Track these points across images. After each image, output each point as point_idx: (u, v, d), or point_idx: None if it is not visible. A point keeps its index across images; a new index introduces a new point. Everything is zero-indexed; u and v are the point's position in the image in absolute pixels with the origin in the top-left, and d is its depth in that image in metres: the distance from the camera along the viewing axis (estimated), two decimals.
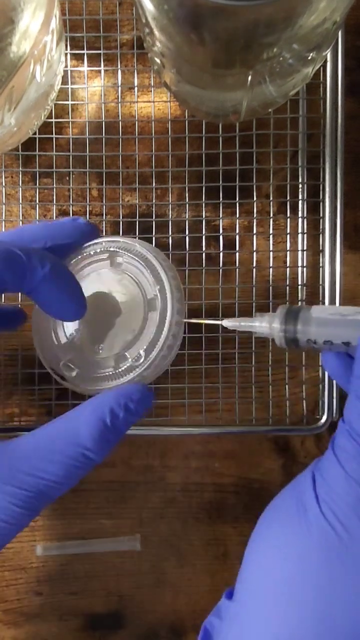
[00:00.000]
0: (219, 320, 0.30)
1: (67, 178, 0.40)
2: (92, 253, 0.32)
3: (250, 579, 0.25)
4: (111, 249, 0.32)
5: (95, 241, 0.32)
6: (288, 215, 0.40)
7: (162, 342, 0.29)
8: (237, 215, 0.40)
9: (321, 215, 0.39)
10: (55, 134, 0.40)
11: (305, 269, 0.40)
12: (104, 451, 0.28)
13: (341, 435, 0.24)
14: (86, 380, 0.31)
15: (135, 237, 0.40)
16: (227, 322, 0.29)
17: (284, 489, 0.26)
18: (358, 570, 0.22)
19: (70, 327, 0.32)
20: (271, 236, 0.40)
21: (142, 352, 0.29)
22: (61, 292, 0.29)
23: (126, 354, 0.30)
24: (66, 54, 0.39)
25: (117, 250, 0.32)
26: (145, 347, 0.29)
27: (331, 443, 0.24)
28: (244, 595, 0.25)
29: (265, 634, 0.23)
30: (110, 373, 0.30)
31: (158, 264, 0.30)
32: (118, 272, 0.32)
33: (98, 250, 0.32)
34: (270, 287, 0.40)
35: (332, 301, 0.39)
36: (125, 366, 0.30)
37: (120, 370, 0.30)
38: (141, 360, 0.29)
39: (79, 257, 0.32)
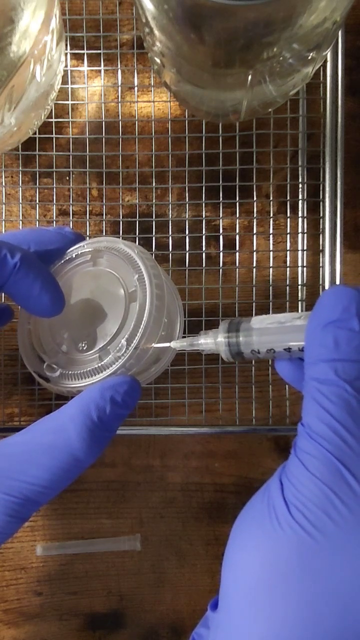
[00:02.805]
0: (168, 343, 0.30)
1: (67, 178, 0.40)
2: (74, 256, 0.32)
3: (230, 587, 0.25)
4: (92, 249, 0.32)
5: (78, 245, 0.32)
6: (288, 215, 0.40)
7: (143, 328, 0.29)
8: (237, 215, 0.40)
9: (321, 214, 0.39)
10: (55, 134, 0.40)
11: (305, 268, 0.40)
12: (93, 450, 0.27)
13: (302, 438, 0.24)
14: (70, 378, 0.30)
15: (135, 237, 0.40)
16: (174, 344, 0.30)
17: (254, 496, 0.26)
18: (337, 565, 0.22)
19: (53, 328, 0.32)
20: (271, 236, 0.40)
21: (123, 341, 0.29)
22: (34, 283, 0.28)
23: (109, 348, 0.30)
24: (66, 54, 0.39)
25: (98, 249, 0.32)
26: (126, 336, 0.29)
27: (293, 447, 0.24)
28: (225, 604, 0.25)
29: (249, 636, 0.23)
30: (94, 367, 0.30)
31: (137, 256, 0.30)
32: (100, 271, 0.32)
33: (80, 253, 0.32)
34: (271, 287, 0.40)
35: None
36: (109, 359, 0.29)
37: (103, 363, 0.29)
38: (123, 350, 0.29)
39: (62, 261, 0.32)
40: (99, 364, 0.29)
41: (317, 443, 0.23)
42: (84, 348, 0.31)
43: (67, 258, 0.32)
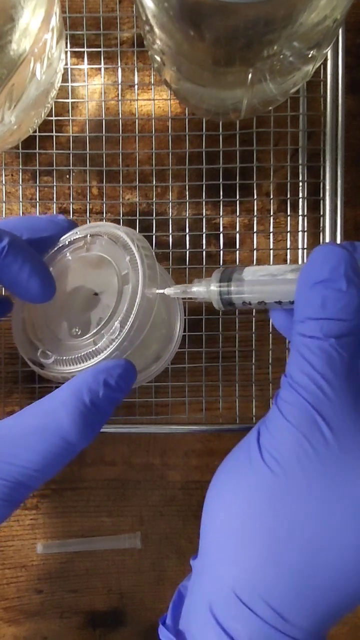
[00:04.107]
0: (162, 289, 0.30)
1: (67, 176, 0.40)
2: (67, 243, 0.32)
3: (206, 532, 0.26)
4: (85, 235, 0.32)
5: (71, 232, 0.32)
6: (288, 213, 0.40)
7: (136, 309, 0.28)
8: (238, 214, 0.40)
9: (321, 213, 0.39)
10: (56, 132, 0.40)
11: None
12: (86, 434, 0.27)
13: (283, 387, 0.25)
14: (64, 364, 0.30)
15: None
16: (168, 290, 0.30)
17: (235, 446, 0.27)
18: (302, 507, 0.23)
19: (47, 316, 0.32)
20: (271, 234, 0.40)
21: (117, 324, 0.29)
22: (22, 267, 0.28)
23: (102, 332, 0.29)
24: (66, 52, 0.39)
25: (91, 234, 0.32)
26: (120, 318, 0.29)
27: (275, 397, 0.25)
28: (203, 549, 0.26)
29: (224, 577, 0.24)
30: (89, 351, 0.29)
31: (127, 237, 0.30)
32: (93, 256, 0.32)
33: (73, 239, 0.32)
34: None
35: None
36: (103, 342, 0.29)
37: (97, 347, 0.29)
38: (117, 333, 0.28)
39: (56, 248, 0.32)
40: (94, 348, 0.29)
41: (295, 392, 0.24)
42: (78, 333, 0.30)
43: (61, 245, 0.32)
